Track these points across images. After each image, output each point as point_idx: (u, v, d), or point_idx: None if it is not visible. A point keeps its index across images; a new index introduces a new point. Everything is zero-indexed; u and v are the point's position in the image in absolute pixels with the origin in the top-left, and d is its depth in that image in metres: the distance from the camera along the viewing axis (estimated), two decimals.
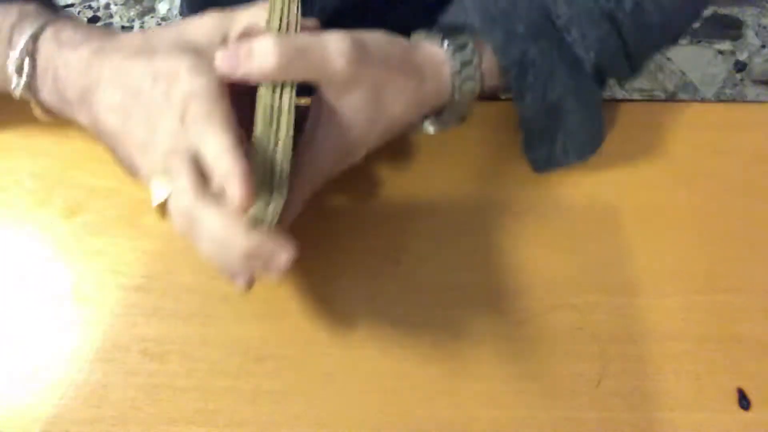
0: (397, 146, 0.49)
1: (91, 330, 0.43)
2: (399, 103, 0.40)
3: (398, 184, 0.47)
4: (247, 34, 0.38)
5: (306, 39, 0.37)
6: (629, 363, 0.42)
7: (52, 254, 0.45)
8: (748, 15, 1.55)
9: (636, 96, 1.45)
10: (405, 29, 0.44)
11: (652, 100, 1.39)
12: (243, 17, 0.39)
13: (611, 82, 0.47)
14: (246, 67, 0.36)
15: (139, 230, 0.45)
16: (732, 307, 0.44)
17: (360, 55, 0.37)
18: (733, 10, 1.56)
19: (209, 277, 0.44)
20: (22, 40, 0.39)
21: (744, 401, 0.41)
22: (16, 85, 0.40)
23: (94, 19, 1.58)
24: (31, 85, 0.40)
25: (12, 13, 0.41)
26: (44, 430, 0.40)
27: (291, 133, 0.36)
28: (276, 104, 0.36)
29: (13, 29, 0.40)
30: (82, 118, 0.40)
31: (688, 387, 0.41)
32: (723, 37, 1.53)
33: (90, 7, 1.60)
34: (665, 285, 0.44)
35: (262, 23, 0.38)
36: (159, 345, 0.42)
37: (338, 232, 0.46)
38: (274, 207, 0.35)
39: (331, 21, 0.50)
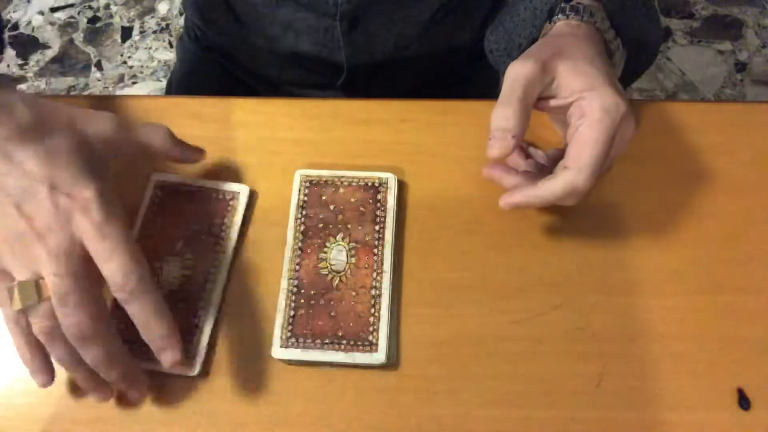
0: (396, 146, 0.49)
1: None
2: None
3: (398, 184, 0.47)
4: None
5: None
6: (629, 363, 0.42)
7: None
8: (748, 15, 1.55)
9: (636, 96, 1.45)
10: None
11: (652, 100, 1.39)
12: (141, 136, 0.42)
13: None
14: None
15: None
16: (732, 307, 0.44)
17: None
18: (733, 10, 1.56)
19: None
20: None
21: (744, 401, 0.41)
22: None
23: (94, 20, 1.58)
24: None
25: None
26: (44, 430, 0.40)
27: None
28: None
29: None
30: None
31: (688, 387, 0.41)
32: (723, 37, 1.53)
33: (90, 7, 1.60)
34: (665, 285, 0.44)
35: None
36: None
37: None
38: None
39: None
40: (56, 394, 0.41)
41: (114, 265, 0.35)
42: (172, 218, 0.45)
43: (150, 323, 0.36)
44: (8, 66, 1.53)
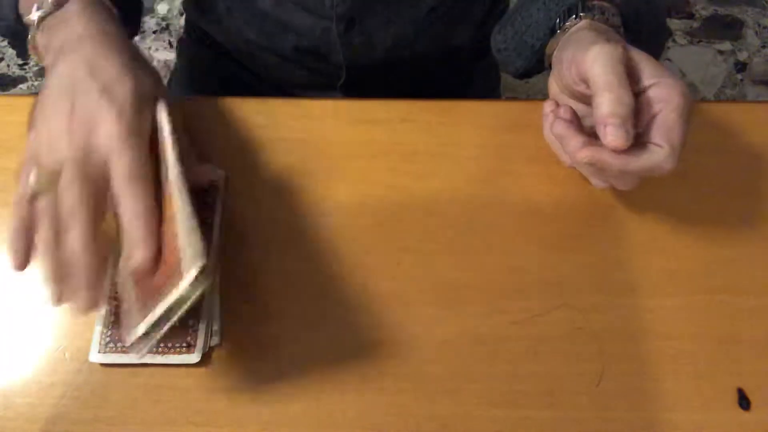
0: (396, 146, 0.49)
1: (90, 330, 0.42)
2: None
3: (398, 184, 0.47)
4: None
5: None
6: (629, 363, 0.42)
7: None
8: (748, 15, 1.55)
9: None
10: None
11: None
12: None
13: None
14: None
15: None
16: (732, 307, 0.44)
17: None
18: (733, 10, 1.56)
19: None
20: None
21: (744, 401, 0.41)
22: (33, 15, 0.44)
23: None
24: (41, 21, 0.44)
25: None
26: (44, 430, 0.40)
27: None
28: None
29: None
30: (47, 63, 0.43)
31: (688, 387, 0.41)
32: (723, 37, 1.53)
33: None
34: (665, 285, 0.44)
35: None
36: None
37: (339, 232, 0.46)
38: None
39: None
40: (56, 394, 0.41)
41: (124, 160, 0.38)
42: None
43: (134, 221, 0.37)
44: (8, 66, 1.52)
